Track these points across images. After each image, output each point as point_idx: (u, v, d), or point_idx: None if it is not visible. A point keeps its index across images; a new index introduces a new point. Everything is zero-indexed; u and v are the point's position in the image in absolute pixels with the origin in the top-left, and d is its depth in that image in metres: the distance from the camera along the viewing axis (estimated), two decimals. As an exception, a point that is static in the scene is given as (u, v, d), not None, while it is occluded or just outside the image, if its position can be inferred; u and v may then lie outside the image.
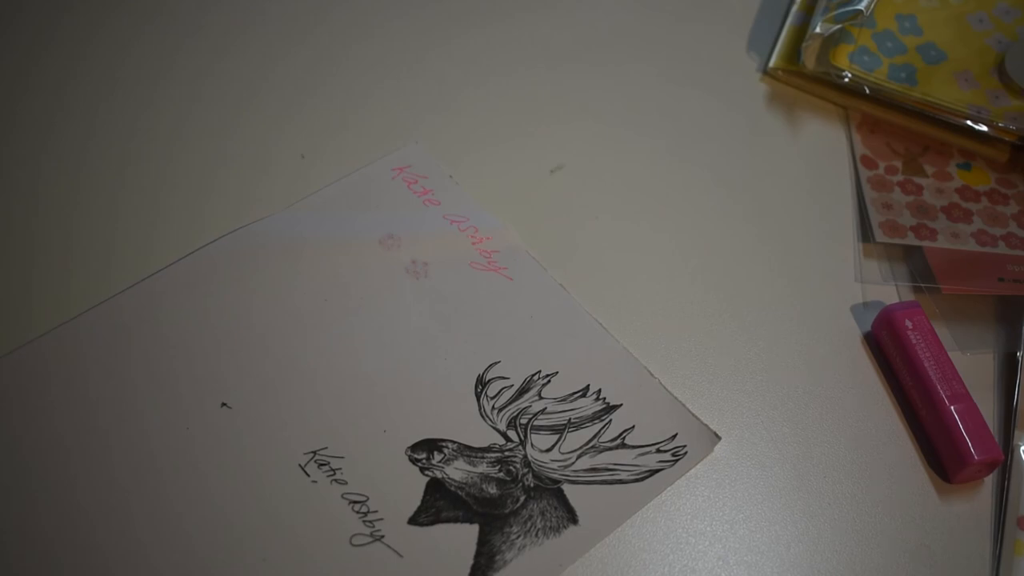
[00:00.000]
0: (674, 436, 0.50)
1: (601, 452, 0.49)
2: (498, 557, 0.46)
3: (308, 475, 0.47)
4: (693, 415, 0.50)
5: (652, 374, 0.51)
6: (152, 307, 0.51)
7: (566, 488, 0.48)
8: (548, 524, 0.47)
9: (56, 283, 0.51)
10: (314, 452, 0.47)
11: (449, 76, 0.62)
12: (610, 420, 0.50)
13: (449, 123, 0.59)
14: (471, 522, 0.46)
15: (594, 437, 0.49)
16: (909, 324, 0.52)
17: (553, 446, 0.49)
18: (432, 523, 0.46)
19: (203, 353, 0.49)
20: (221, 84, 0.60)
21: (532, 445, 0.49)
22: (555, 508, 0.47)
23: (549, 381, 0.51)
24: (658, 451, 0.49)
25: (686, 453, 0.49)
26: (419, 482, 0.47)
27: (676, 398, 0.51)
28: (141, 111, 0.58)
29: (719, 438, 0.50)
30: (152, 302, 0.51)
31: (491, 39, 0.64)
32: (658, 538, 0.47)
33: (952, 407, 0.50)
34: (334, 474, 0.47)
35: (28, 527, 0.44)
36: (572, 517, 0.47)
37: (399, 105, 0.60)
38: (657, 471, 0.49)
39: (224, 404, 0.48)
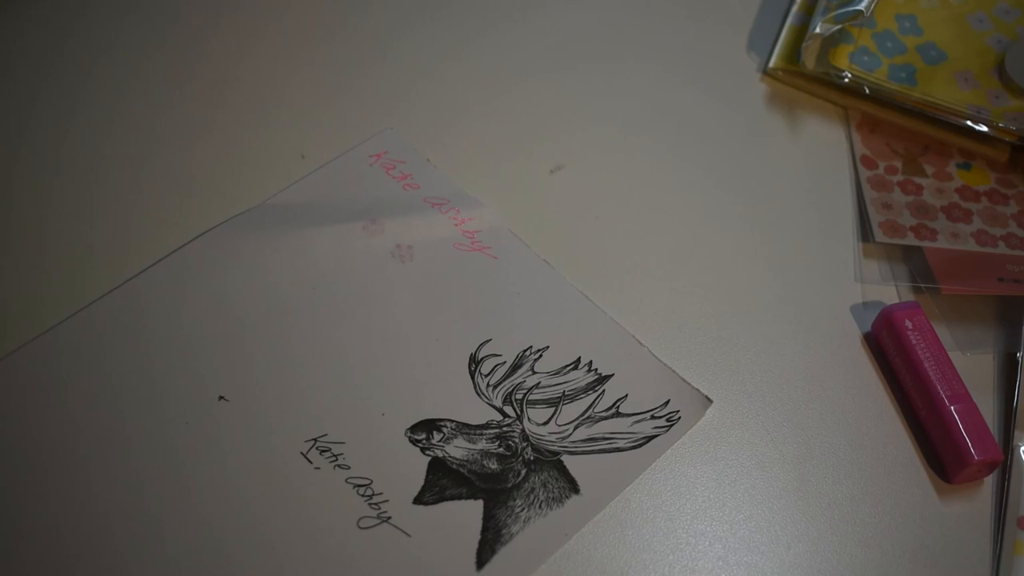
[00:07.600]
0: (667, 402, 0.50)
1: (597, 422, 0.50)
2: (505, 531, 0.46)
3: (311, 462, 0.47)
4: (684, 380, 0.51)
5: (641, 343, 0.52)
6: (138, 306, 0.50)
7: (566, 459, 0.48)
8: (551, 495, 0.47)
9: (51, 282, 0.51)
10: (315, 439, 0.47)
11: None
12: (603, 390, 0.50)
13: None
14: (475, 498, 0.47)
15: (589, 408, 0.50)
16: (909, 324, 0.52)
17: (550, 419, 0.49)
18: (437, 502, 0.47)
19: (195, 348, 0.49)
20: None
21: (529, 419, 0.49)
22: (556, 479, 0.48)
23: (540, 356, 0.51)
24: (652, 417, 0.50)
25: (679, 418, 0.50)
26: (421, 462, 0.48)
27: (666, 364, 0.51)
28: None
29: (711, 401, 0.51)
30: (141, 300, 0.51)
31: (491, 39, 0.64)
32: (658, 538, 0.47)
33: (952, 407, 0.50)
34: (336, 460, 0.47)
35: (31, 525, 0.44)
36: (574, 487, 0.48)
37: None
38: (653, 437, 0.49)
39: (222, 397, 0.48)
